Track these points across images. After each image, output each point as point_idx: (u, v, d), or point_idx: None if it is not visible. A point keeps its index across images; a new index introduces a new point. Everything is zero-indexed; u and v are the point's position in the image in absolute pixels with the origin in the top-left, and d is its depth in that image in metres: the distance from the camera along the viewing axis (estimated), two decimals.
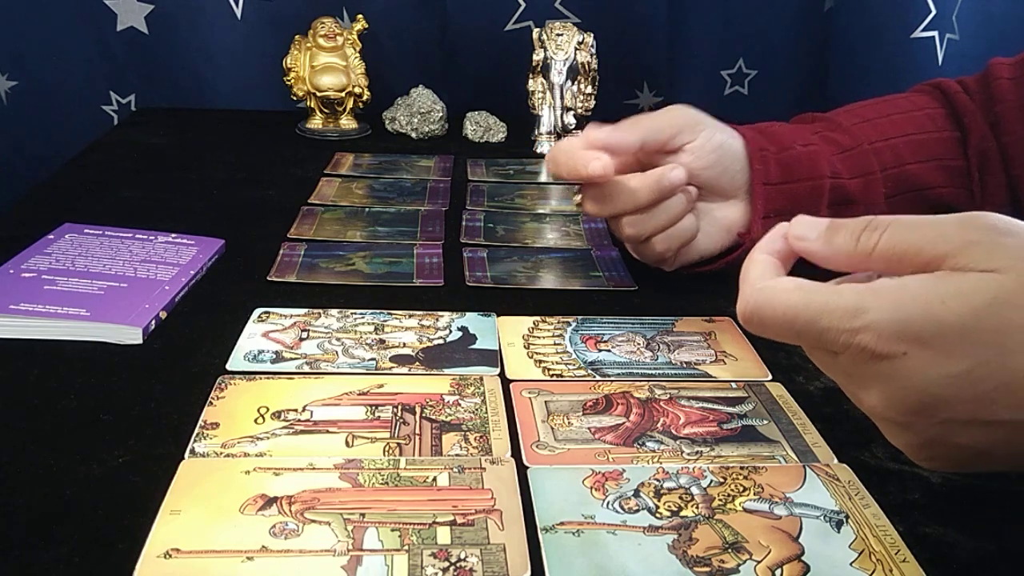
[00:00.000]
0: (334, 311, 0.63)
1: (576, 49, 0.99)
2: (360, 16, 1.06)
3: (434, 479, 0.46)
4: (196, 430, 0.49)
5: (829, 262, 0.41)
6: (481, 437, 0.49)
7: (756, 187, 0.65)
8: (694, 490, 0.46)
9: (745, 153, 0.65)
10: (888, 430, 0.41)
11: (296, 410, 0.51)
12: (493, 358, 0.58)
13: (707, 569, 0.41)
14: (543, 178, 0.95)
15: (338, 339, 0.59)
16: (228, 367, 0.55)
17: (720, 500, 0.45)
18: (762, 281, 0.41)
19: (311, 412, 0.51)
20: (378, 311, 0.63)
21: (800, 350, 0.60)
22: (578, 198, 0.67)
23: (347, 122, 1.07)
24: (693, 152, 0.64)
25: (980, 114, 0.71)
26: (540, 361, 0.58)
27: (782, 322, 0.39)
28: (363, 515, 0.43)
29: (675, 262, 0.66)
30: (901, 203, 0.69)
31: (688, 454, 0.49)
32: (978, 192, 0.71)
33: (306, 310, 0.63)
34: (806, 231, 0.42)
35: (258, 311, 0.62)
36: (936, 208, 0.70)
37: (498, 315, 0.64)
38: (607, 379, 0.56)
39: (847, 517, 0.44)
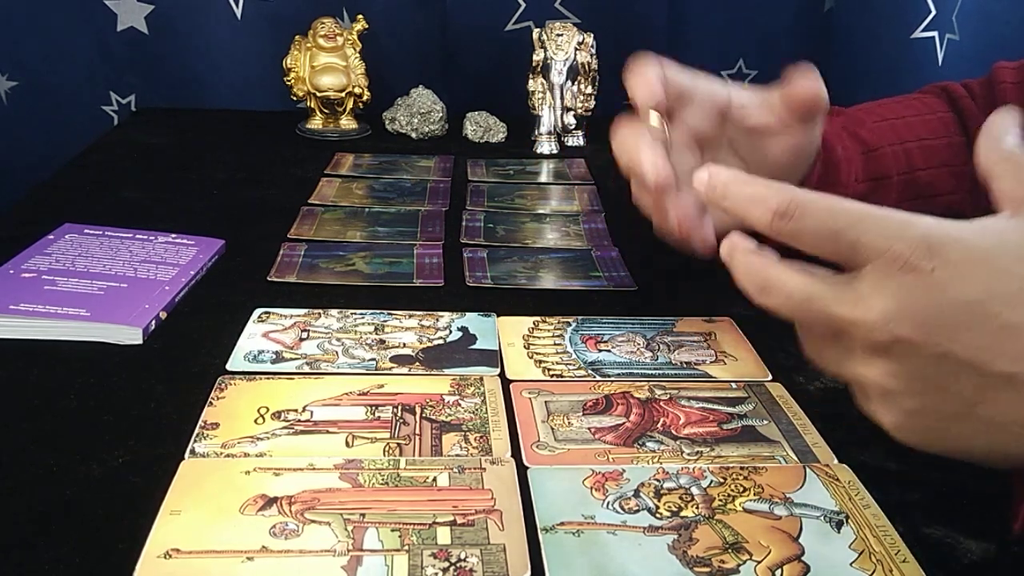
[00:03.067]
0: (334, 311, 0.63)
1: (576, 49, 0.99)
2: (360, 16, 1.06)
3: (434, 479, 0.46)
4: (196, 430, 0.49)
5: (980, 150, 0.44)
6: (481, 437, 0.49)
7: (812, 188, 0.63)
8: (694, 490, 0.46)
9: (813, 156, 0.64)
10: (880, 363, 0.39)
11: (296, 410, 0.51)
12: (493, 358, 0.58)
13: (707, 569, 0.41)
14: (543, 178, 0.95)
15: (338, 339, 0.59)
16: (228, 367, 0.55)
17: (720, 500, 0.45)
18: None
19: (311, 412, 0.51)
20: (378, 311, 0.63)
21: (799, 351, 0.60)
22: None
23: (347, 122, 1.07)
24: (802, 133, 0.61)
25: (983, 118, 0.71)
26: (540, 361, 0.58)
27: (827, 216, 0.39)
28: (363, 515, 0.43)
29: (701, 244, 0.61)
30: (911, 208, 0.68)
31: (688, 454, 0.49)
32: (983, 198, 0.71)
33: (306, 310, 0.63)
34: (1001, 123, 0.45)
35: (258, 311, 0.62)
36: (946, 214, 0.70)
37: (498, 315, 0.64)
38: (607, 379, 0.56)
39: (847, 517, 0.44)
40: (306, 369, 0.56)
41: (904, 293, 0.38)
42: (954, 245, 0.37)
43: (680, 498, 0.45)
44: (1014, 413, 0.37)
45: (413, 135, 1.07)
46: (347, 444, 0.49)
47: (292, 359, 0.57)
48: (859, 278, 0.39)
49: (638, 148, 0.58)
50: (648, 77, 0.60)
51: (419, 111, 1.06)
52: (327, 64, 1.04)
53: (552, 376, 0.56)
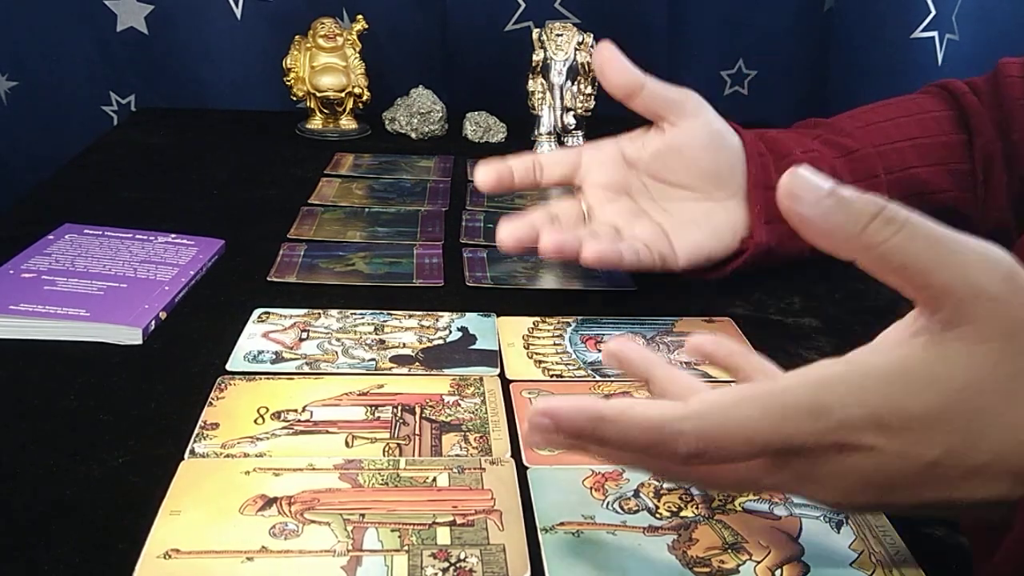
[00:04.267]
0: (334, 311, 0.63)
1: (576, 49, 0.99)
2: (360, 16, 1.06)
3: (434, 479, 0.46)
4: (196, 430, 0.49)
5: (818, 236, 0.35)
6: (481, 437, 0.49)
7: (753, 191, 0.64)
8: (694, 490, 0.46)
9: (743, 151, 0.65)
10: (840, 508, 0.40)
11: (296, 410, 0.51)
12: (493, 358, 0.58)
13: (707, 569, 0.41)
14: None
15: (338, 339, 0.59)
16: (228, 367, 0.55)
17: (720, 500, 0.45)
18: (678, 409, 0.35)
19: (311, 412, 0.51)
20: (378, 311, 0.63)
21: (799, 351, 0.60)
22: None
23: (347, 122, 1.07)
24: (689, 131, 0.63)
25: (987, 115, 0.71)
26: (540, 361, 0.58)
27: (743, 440, 0.34)
28: (363, 515, 0.43)
29: (663, 263, 0.63)
30: (906, 205, 0.69)
31: None
32: (982, 194, 0.71)
33: (306, 310, 0.63)
34: (803, 191, 0.34)
35: (258, 311, 0.62)
36: (940, 212, 0.70)
37: (498, 315, 0.64)
38: (607, 379, 0.56)
39: (847, 517, 0.44)
40: (306, 369, 0.56)
41: (852, 474, 0.35)
42: (890, 417, 0.34)
43: (680, 498, 0.45)
44: (978, 514, 0.37)
45: (413, 135, 1.07)
46: (347, 444, 0.49)
47: (292, 359, 0.57)
48: (801, 466, 0.36)
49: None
50: (488, 180, 0.64)
51: (419, 111, 1.06)
52: (327, 64, 1.04)
53: (552, 376, 0.56)
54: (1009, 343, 0.33)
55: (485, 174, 0.63)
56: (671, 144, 0.64)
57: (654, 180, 0.65)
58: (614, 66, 0.62)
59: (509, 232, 0.60)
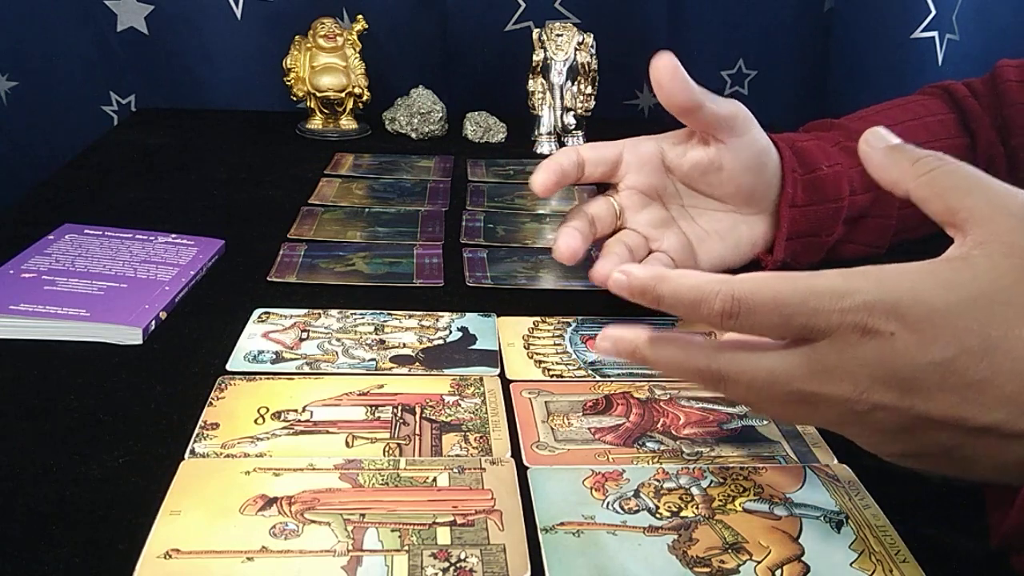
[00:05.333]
0: (334, 311, 0.63)
1: (576, 49, 0.99)
2: (360, 16, 1.06)
3: (434, 479, 0.46)
4: (196, 430, 0.49)
5: (879, 169, 0.43)
6: (481, 437, 0.49)
7: (783, 209, 0.64)
8: (694, 490, 0.46)
9: (780, 170, 0.64)
10: (859, 423, 0.40)
11: (296, 410, 0.51)
12: (493, 358, 0.58)
13: (707, 569, 0.41)
14: None
15: (338, 339, 0.59)
16: (228, 367, 0.55)
17: (720, 500, 0.45)
18: (722, 277, 0.40)
19: (311, 412, 0.51)
20: (378, 311, 0.63)
21: None
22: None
23: (347, 122, 1.07)
24: (737, 151, 0.62)
25: (987, 118, 0.71)
26: (540, 361, 0.58)
27: (772, 308, 0.38)
28: (363, 515, 0.43)
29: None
30: (915, 213, 0.68)
31: (688, 454, 0.49)
32: None
33: (306, 310, 0.63)
34: (876, 139, 0.44)
35: (258, 311, 0.62)
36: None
37: (498, 315, 0.64)
38: (607, 379, 0.56)
39: (847, 517, 0.44)
40: (306, 369, 0.56)
41: (872, 361, 0.37)
42: (911, 306, 0.36)
43: (680, 498, 0.45)
44: (991, 455, 0.38)
45: (413, 135, 1.07)
46: (347, 444, 0.49)
47: (292, 359, 0.57)
48: (822, 351, 0.38)
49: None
50: (548, 182, 0.61)
51: (419, 111, 1.06)
52: (327, 64, 1.04)
53: (552, 376, 0.56)
54: None
55: (545, 179, 0.61)
56: (714, 160, 0.62)
57: (688, 189, 0.64)
58: (674, 81, 0.59)
59: (568, 245, 0.59)
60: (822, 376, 0.38)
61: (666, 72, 0.58)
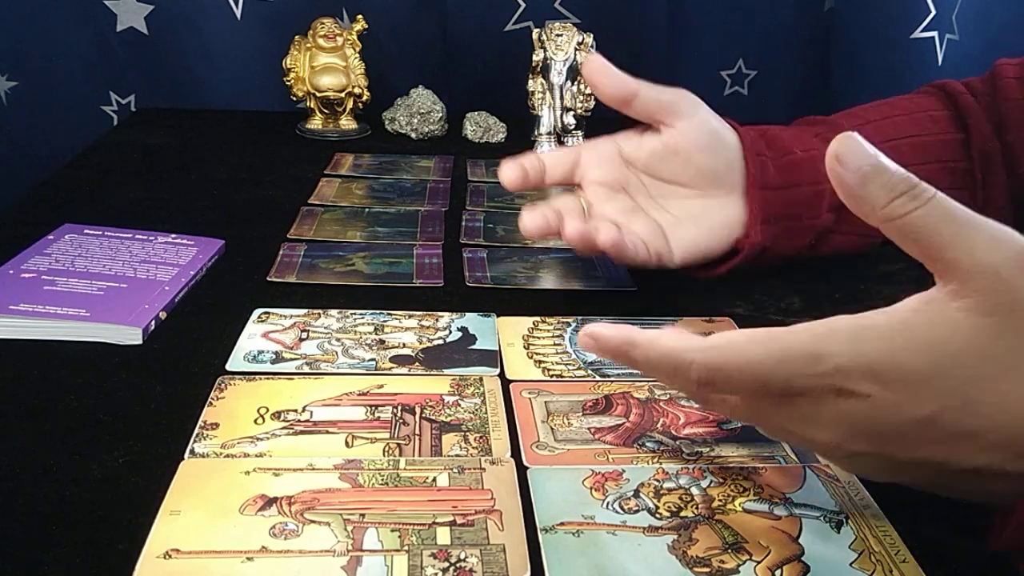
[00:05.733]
0: (334, 311, 0.63)
1: (576, 49, 0.99)
2: (360, 16, 1.06)
3: (434, 479, 0.46)
4: (196, 430, 0.49)
5: (850, 198, 0.39)
6: (481, 437, 0.49)
7: (751, 190, 0.65)
8: (694, 490, 0.46)
9: (740, 149, 0.65)
10: (844, 461, 0.42)
11: (296, 410, 0.51)
12: (493, 358, 0.58)
13: (707, 570, 0.41)
14: None
15: (338, 339, 0.59)
16: (228, 367, 0.55)
17: (720, 500, 0.45)
18: (695, 342, 0.39)
19: (311, 412, 0.51)
20: (378, 311, 0.63)
21: None
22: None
23: (347, 122, 1.07)
24: (686, 132, 0.64)
25: (984, 115, 0.71)
26: (540, 361, 0.58)
27: (748, 375, 0.38)
28: (363, 515, 0.43)
29: (659, 260, 0.64)
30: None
31: (688, 454, 0.49)
32: (980, 194, 0.71)
33: (306, 310, 0.63)
34: (849, 156, 0.38)
35: (258, 311, 0.62)
36: None
37: (498, 315, 0.64)
38: (607, 379, 0.56)
39: (847, 517, 0.44)
40: (306, 369, 0.56)
41: (849, 417, 0.37)
42: (888, 368, 0.36)
43: (680, 498, 0.45)
44: (979, 489, 0.39)
45: (413, 135, 1.07)
46: (347, 444, 0.49)
47: (292, 359, 0.57)
48: (801, 405, 0.38)
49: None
50: (513, 176, 0.64)
51: (419, 111, 1.06)
52: (327, 64, 1.04)
53: (552, 376, 0.56)
54: (1010, 318, 0.35)
55: (511, 172, 0.64)
56: (667, 145, 0.64)
57: (651, 178, 0.66)
58: (605, 77, 0.63)
59: (532, 220, 0.61)
60: (803, 423, 0.39)
61: (597, 70, 0.62)
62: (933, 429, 0.36)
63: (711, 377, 0.39)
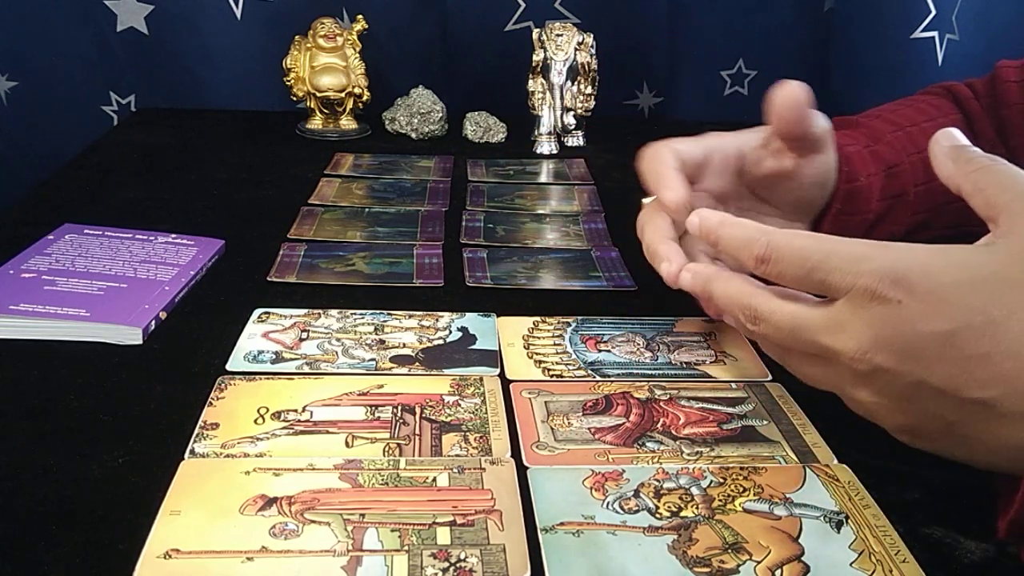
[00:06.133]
0: (334, 311, 0.63)
1: (576, 49, 0.99)
2: (360, 16, 1.06)
3: (434, 479, 0.46)
4: (196, 430, 0.49)
5: (940, 166, 0.45)
6: (481, 437, 0.49)
7: (831, 217, 0.64)
8: (694, 490, 0.46)
9: (835, 182, 0.64)
10: (862, 385, 0.42)
11: (296, 410, 0.51)
12: (493, 358, 0.58)
13: (707, 569, 0.41)
14: (543, 178, 0.95)
15: (338, 339, 0.59)
16: (228, 367, 0.55)
17: (720, 500, 0.45)
18: (770, 229, 0.45)
19: (311, 412, 0.51)
20: (378, 311, 0.63)
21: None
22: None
23: (347, 122, 1.07)
24: (816, 166, 0.61)
25: (988, 120, 0.71)
26: (540, 361, 0.58)
27: (798, 260, 0.42)
28: (363, 515, 0.43)
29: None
30: (925, 219, 0.68)
31: (688, 454, 0.49)
32: None
33: (306, 310, 0.63)
34: (944, 139, 0.46)
35: (258, 311, 0.62)
36: (953, 221, 0.70)
37: (498, 315, 0.64)
38: (607, 379, 0.56)
39: (847, 517, 0.44)
40: (306, 369, 0.56)
41: (877, 324, 0.40)
42: (921, 278, 0.39)
43: (680, 498, 0.45)
44: (988, 433, 0.39)
45: (413, 135, 1.07)
46: (347, 444, 0.49)
47: (292, 359, 0.57)
48: (836, 308, 0.41)
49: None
50: (668, 177, 0.59)
51: (419, 111, 1.06)
52: (327, 64, 1.05)
53: (552, 376, 0.56)
54: None
55: (675, 197, 0.58)
56: (789, 174, 0.62)
57: (750, 192, 0.64)
58: (795, 116, 0.59)
59: (673, 270, 0.55)
60: (834, 331, 0.41)
61: (788, 106, 0.59)
62: (952, 347, 0.38)
63: (768, 254, 0.44)
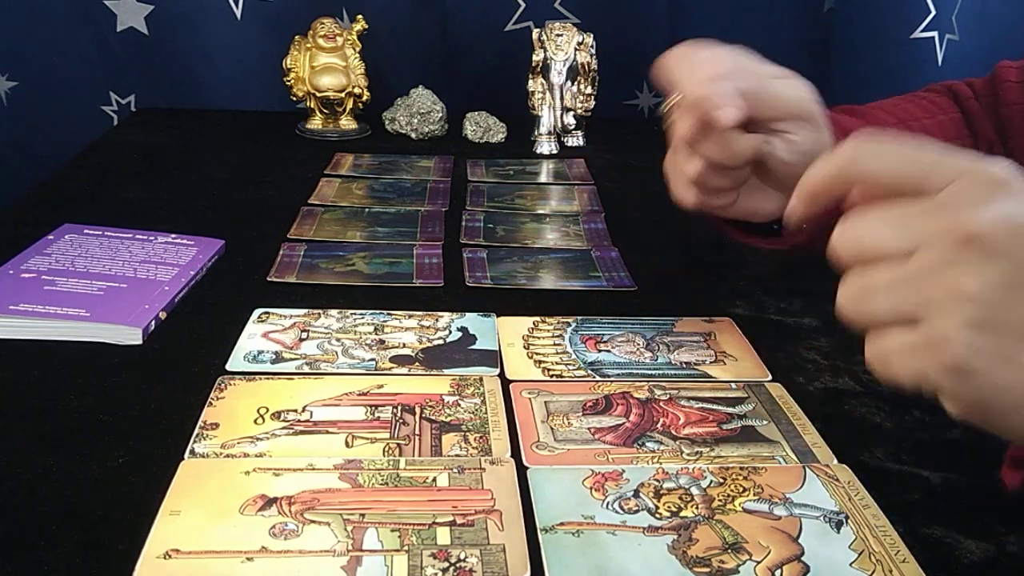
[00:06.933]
0: (334, 311, 0.63)
1: (576, 49, 0.99)
2: (360, 16, 1.06)
3: (434, 479, 0.46)
4: (196, 430, 0.49)
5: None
6: (481, 437, 0.49)
7: None
8: (694, 490, 0.46)
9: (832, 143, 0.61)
10: (972, 261, 0.37)
11: (296, 410, 0.51)
12: (493, 358, 0.58)
13: (707, 569, 0.41)
14: (543, 178, 0.95)
15: (338, 339, 0.59)
16: (228, 367, 0.55)
17: (720, 500, 0.45)
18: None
19: (311, 412, 0.51)
20: (378, 311, 0.63)
21: (799, 351, 0.60)
22: (672, 104, 0.61)
23: (347, 122, 1.07)
24: (794, 146, 0.60)
25: (987, 119, 0.71)
26: (540, 361, 0.58)
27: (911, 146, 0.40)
28: (363, 515, 0.43)
29: (689, 199, 0.60)
30: None
31: (688, 454, 0.49)
32: None
33: (306, 310, 0.63)
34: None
35: (258, 311, 0.62)
36: None
37: (498, 315, 0.64)
38: (607, 379, 0.56)
39: (847, 517, 0.44)
40: (306, 369, 0.56)
41: (999, 199, 0.36)
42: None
43: (680, 498, 0.45)
44: None
45: (413, 135, 1.07)
46: (347, 444, 0.49)
47: (292, 359, 0.57)
48: (948, 190, 0.38)
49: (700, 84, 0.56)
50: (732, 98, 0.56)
51: (419, 111, 1.06)
52: (327, 64, 1.05)
53: (552, 376, 0.56)
54: None
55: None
56: (771, 155, 0.60)
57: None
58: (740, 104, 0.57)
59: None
60: (952, 203, 0.37)
61: (734, 110, 0.56)
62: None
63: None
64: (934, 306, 0.38)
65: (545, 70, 0.99)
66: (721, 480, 0.47)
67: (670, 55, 0.59)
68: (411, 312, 0.63)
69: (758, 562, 0.41)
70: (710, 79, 0.57)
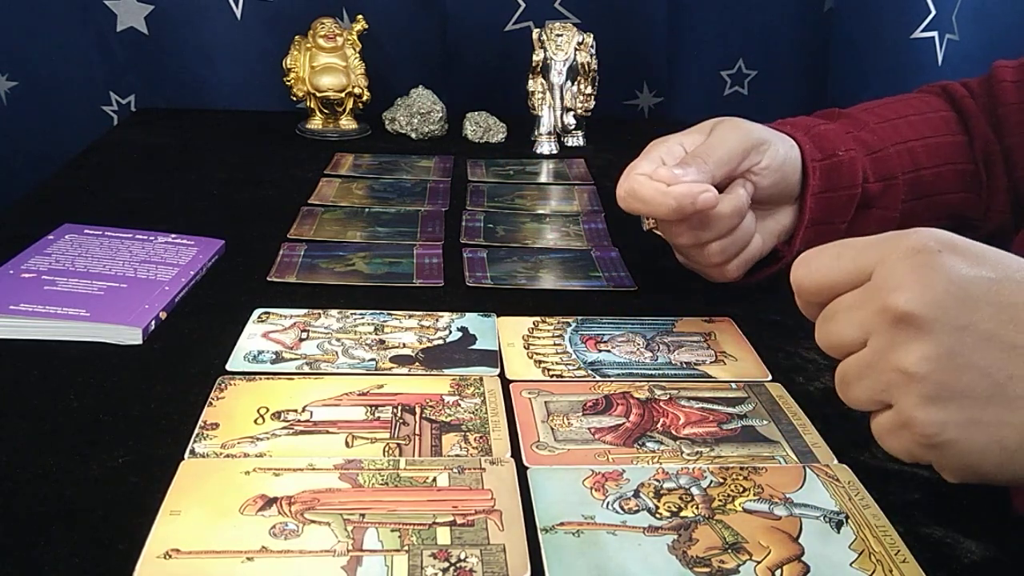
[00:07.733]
0: (334, 311, 0.63)
1: (576, 49, 0.99)
2: (360, 16, 1.06)
3: (434, 479, 0.46)
4: (196, 430, 0.49)
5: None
6: (481, 437, 0.49)
7: (808, 197, 0.64)
8: (694, 490, 0.46)
9: (802, 162, 0.64)
10: (907, 352, 0.39)
11: (296, 410, 0.51)
12: (493, 358, 0.58)
13: (707, 569, 0.41)
14: (543, 178, 0.95)
15: (338, 339, 0.59)
16: (228, 367, 0.55)
17: (720, 500, 0.45)
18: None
19: (311, 412, 0.51)
20: (378, 311, 0.63)
21: (799, 351, 0.60)
22: (651, 223, 0.65)
23: (347, 122, 1.07)
24: (761, 173, 0.62)
25: (983, 118, 0.71)
26: (540, 361, 0.58)
27: (836, 247, 0.43)
28: (363, 515, 0.43)
29: (732, 271, 0.63)
30: (914, 208, 0.68)
31: (688, 454, 0.49)
32: (985, 196, 0.71)
33: (306, 310, 0.63)
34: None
35: (258, 311, 0.62)
36: (947, 213, 0.70)
37: (498, 315, 0.64)
38: (607, 379, 0.56)
39: (847, 517, 0.44)
40: (306, 369, 0.56)
41: (918, 276, 0.39)
42: (959, 240, 0.40)
43: (680, 498, 0.45)
44: None
45: (413, 135, 1.07)
46: (347, 444, 0.49)
47: (292, 359, 0.57)
48: (879, 272, 0.40)
49: (658, 191, 0.59)
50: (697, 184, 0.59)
51: (419, 111, 1.06)
52: (327, 64, 1.05)
53: (552, 376, 0.56)
54: None
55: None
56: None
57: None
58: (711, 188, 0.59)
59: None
60: (884, 285, 0.40)
61: (709, 194, 0.59)
62: (997, 293, 0.38)
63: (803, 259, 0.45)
64: (893, 389, 0.41)
65: (545, 70, 0.99)
66: (721, 480, 0.47)
67: (631, 186, 0.60)
68: (411, 312, 0.63)
69: (758, 562, 0.41)
70: (667, 186, 0.59)
